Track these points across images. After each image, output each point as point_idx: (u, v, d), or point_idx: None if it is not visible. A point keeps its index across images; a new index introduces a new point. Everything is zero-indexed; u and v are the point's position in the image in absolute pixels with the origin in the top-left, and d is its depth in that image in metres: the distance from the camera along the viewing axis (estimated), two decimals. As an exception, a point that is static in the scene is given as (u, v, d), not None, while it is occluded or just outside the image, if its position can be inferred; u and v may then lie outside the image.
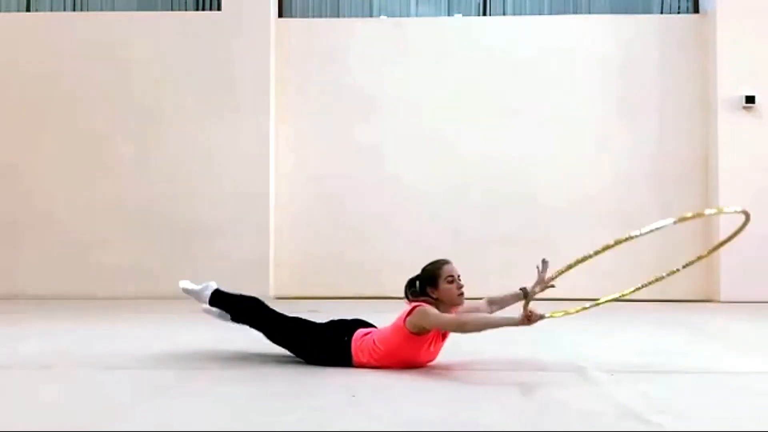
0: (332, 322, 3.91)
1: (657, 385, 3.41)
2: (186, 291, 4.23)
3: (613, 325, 6.03)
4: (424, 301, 3.63)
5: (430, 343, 3.65)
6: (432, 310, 3.54)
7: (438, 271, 3.67)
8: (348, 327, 3.82)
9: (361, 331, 3.77)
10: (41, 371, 3.76)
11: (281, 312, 4.01)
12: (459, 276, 3.69)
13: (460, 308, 3.74)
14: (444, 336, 3.74)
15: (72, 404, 3.02)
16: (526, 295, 3.68)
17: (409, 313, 3.56)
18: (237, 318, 4.05)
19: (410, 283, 3.75)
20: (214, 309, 4.11)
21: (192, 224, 8.69)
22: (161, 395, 3.17)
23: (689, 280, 8.48)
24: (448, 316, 3.55)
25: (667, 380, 3.55)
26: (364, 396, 3.10)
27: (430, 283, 3.67)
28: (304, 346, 3.80)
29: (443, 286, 3.64)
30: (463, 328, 3.54)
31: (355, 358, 3.69)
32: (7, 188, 8.79)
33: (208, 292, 4.11)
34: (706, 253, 3.80)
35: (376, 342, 3.66)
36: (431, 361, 3.74)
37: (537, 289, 3.72)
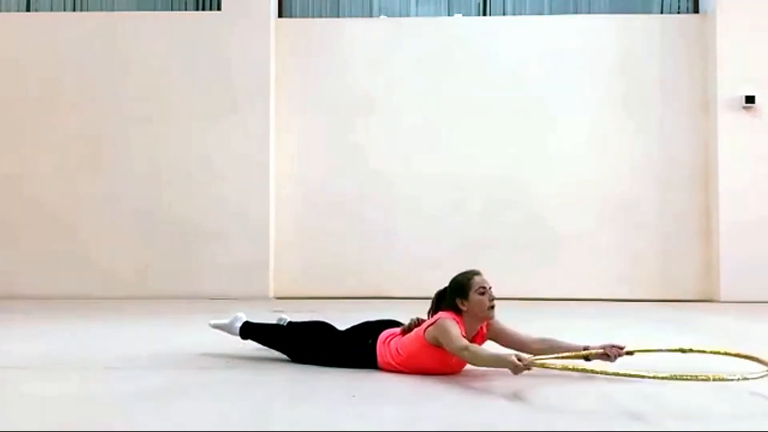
0: (357, 326, 3.86)
1: (657, 385, 3.40)
2: (216, 326, 4.32)
3: (614, 325, 6.04)
4: (453, 314, 3.48)
5: (450, 356, 3.44)
6: (452, 328, 3.36)
7: (468, 281, 3.50)
8: (373, 329, 3.75)
9: (387, 332, 3.69)
10: (41, 371, 3.76)
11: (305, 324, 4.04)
12: (491, 288, 3.51)
13: (491, 323, 3.60)
14: None
15: (72, 404, 3.02)
16: (586, 358, 3.46)
17: (432, 323, 3.45)
18: (267, 343, 4.07)
19: (439, 296, 3.62)
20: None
21: (192, 224, 8.69)
22: (161, 395, 3.17)
23: (689, 280, 8.49)
24: (458, 342, 3.31)
25: (667, 380, 3.53)
26: (364, 396, 3.10)
27: (459, 294, 3.50)
28: (332, 356, 3.74)
29: (473, 297, 3.46)
30: (462, 354, 3.32)
31: (380, 360, 3.61)
32: (7, 188, 8.79)
33: (239, 324, 4.17)
34: None
35: (398, 347, 3.58)
36: (455, 373, 3.55)
37: (594, 354, 3.48)
